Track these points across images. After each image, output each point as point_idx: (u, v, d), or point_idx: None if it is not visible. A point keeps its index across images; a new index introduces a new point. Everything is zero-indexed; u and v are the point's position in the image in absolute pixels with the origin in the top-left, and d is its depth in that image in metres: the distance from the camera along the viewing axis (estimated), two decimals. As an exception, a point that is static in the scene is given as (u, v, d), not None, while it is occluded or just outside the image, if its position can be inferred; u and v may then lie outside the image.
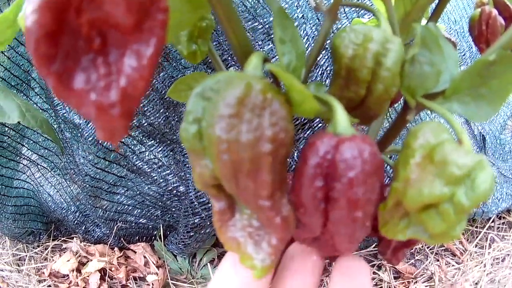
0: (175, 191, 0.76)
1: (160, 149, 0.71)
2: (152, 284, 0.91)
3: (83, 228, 0.97)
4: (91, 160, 0.74)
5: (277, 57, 0.26)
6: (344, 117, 0.19)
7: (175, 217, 0.87)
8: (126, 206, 0.86)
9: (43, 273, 0.99)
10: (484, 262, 0.98)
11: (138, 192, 0.81)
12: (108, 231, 0.92)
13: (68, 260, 0.98)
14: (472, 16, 0.56)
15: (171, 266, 0.94)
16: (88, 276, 0.93)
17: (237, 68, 0.55)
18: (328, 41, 0.26)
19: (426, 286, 0.93)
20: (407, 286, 0.93)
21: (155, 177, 0.75)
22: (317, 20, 0.56)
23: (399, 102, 0.42)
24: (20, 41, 0.71)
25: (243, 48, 0.20)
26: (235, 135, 0.16)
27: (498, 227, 1.08)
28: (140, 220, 0.89)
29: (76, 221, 0.97)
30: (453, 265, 0.99)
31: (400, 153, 0.21)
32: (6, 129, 0.83)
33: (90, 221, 0.95)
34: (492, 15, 0.56)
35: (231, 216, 0.21)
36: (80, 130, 0.71)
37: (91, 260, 0.96)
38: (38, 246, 1.06)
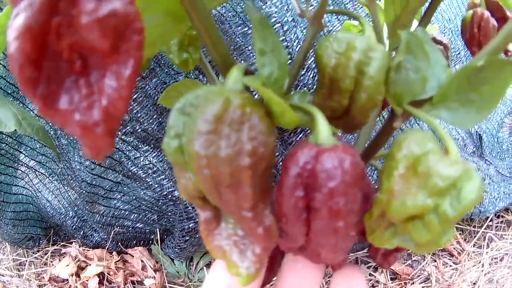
0: (170, 196, 0.77)
1: (154, 154, 0.71)
2: (150, 288, 0.91)
3: (82, 233, 0.97)
4: (87, 166, 0.74)
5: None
6: (325, 127, 0.19)
7: (171, 221, 0.87)
8: (123, 211, 0.86)
9: (43, 277, 1.00)
10: (482, 262, 0.98)
11: (134, 197, 0.82)
12: (106, 236, 0.92)
13: (68, 265, 0.98)
14: (464, 19, 0.55)
15: (169, 270, 0.95)
16: (87, 281, 0.94)
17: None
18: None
19: (423, 287, 0.93)
20: (403, 287, 0.93)
21: (150, 182, 0.75)
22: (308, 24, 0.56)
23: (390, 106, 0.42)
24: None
25: (223, 61, 0.20)
26: (214, 151, 0.16)
27: (497, 226, 1.08)
28: (137, 225, 0.89)
29: (74, 226, 0.97)
30: (450, 266, 0.98)
31: (384, 163, 0.21)
32: (4, 136, 0.84)
33: (88, 226, 0.95)
34: (484, 17, 0.55)
35: (217, 225, 0.21)
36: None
37: (90, 264, 0.96)
38: (38, 251, 1.07)
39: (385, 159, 0.22)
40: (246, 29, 0.51)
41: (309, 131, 0.67)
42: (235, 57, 0.55)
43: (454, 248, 1.02)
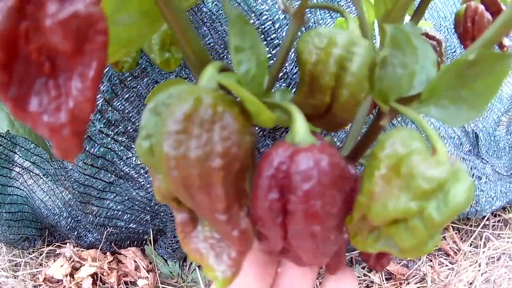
0: (162, 196, 0.76)
1: (146, 154, 0.70)
2: (143, 288, 0.90)
3: (76, 233, 0.97)
4: (79, 166, 0.73)
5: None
6: (302, 125, 0.19)
7: (164, 222, 0.87)
8: (116, 211, 0.85)
9: (38, 278, 1.00)
10: (479, 262, 0.97)
11: (127, 198, 0.81)
12: (99, 236, 0.92)
13: (62, 266, 0.98)
14: (458, 13, 0.54)
15: (162, 270, 0.94)
16: (81, 281, 0.93)
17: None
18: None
19: (418, 287, 0.92)
20: (398, 287, 0.92)
21: (142, 182, 0.75)
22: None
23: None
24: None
25: (199, 58, 0.19)
26: (183, 152, 0.16)
27: (494, 225, 1.07)
28: (130, 225, 0.89)
29: (68, 227, 0.97)
30: (446, 265, 0.98)
31: (366, 163, 0.20)
32: (-2, 137, 0.83)
33: (82, 227, 0.95)
34: (478, 11, 0.53)
35: (193, 227, 0.21)
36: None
37: (84, 265, 0.96)
38: (33, 252, 1.07)
39: (368, 158, 0.21)
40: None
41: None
42: (224, 56, 0.54)
43: (450, 248, 1.01)
